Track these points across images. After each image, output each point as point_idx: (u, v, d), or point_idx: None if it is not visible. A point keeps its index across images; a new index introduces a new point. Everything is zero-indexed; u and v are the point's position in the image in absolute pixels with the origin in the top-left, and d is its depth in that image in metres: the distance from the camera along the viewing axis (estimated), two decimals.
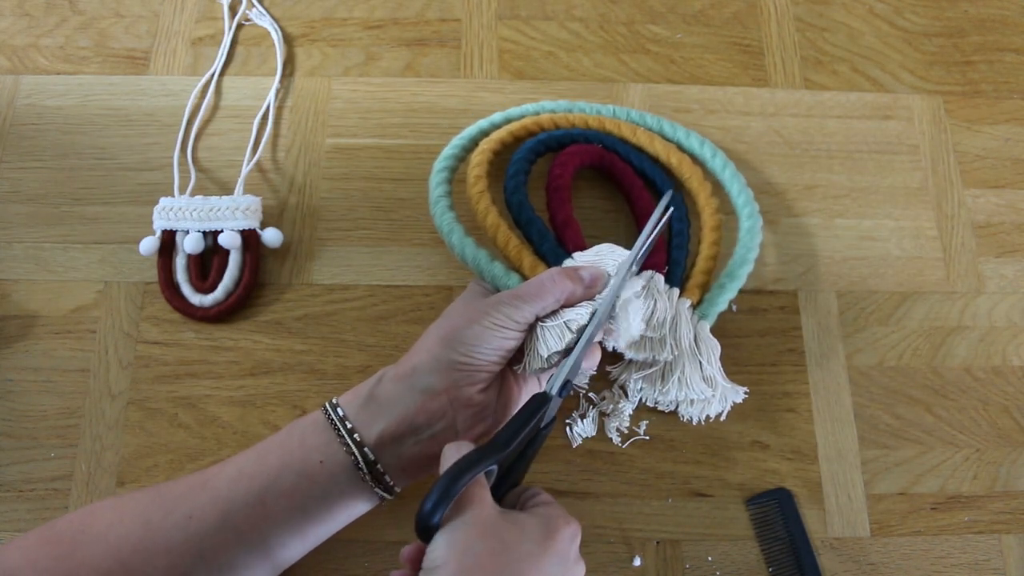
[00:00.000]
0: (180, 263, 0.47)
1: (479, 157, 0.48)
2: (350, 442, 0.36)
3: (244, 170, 0.50)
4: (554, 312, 0.39)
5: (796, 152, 0.53)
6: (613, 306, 0.40)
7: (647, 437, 0.45)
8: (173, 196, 0.49)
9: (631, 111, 0.52)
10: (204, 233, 0.47)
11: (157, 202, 0.48)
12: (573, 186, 0.49)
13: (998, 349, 0.48)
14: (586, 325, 0.38)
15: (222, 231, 0.47)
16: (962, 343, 0.48)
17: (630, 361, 0.43)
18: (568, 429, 0.45)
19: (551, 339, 0.38)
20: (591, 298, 0.40)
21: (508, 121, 0.51)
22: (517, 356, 0.40)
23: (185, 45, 0.54)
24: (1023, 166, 0.53)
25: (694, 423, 0.45)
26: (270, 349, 0.46)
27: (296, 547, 0.36)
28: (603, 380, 0.46)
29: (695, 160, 0.51)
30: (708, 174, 0.51)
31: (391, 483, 0.37)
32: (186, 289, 0.46)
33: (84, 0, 0.55)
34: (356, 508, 0.37)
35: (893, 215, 0.51)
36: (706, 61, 0.55)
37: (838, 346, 0.48)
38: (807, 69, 0.55)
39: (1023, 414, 0.47)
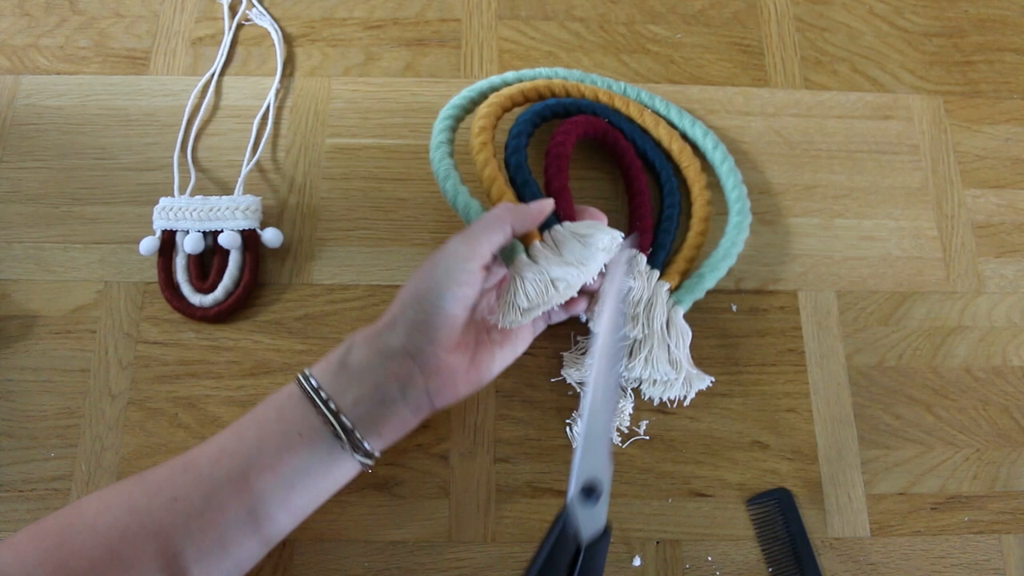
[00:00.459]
0: (180, 263, 0.47)
1: (486, 109, 0.48)
2: (326, 412, 0.36)
3: (244, 170, 0.50)
4: (536, 265, 0.39)
5: (796, 152, 0.53)
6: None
7: (647, 437, 0.45)
8: (173, 196, 0.49)
9: (642, 91, 0.52)
10: (204, 233, 0.47)
11: (157, 202, 0.48)
12: (573, 155, 0.49)
13: (998, 349, 0.48)
14: (571, 288, 0.38)
15: (222, 231, 0.47)
16: (962, 343, 0.48)
17: None
18: (568, 429, 0.45)
19: (532, 291, 0.38)
20: (537, 224, 0.40)
21: (520, 81, 0.51)
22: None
23: (185, 45, 0.54)
24: (1023, 166, 0.53)
25: (655, 403, 0.45)
26: (270, 349, 0.46)
27: (284, 519, 0.36)
28: None
29: (696, 150, 0.51)
30: (707, 166, 0.51)
31: (370, 449, 0.37)
32: (186, 289, 0.46)
33: (84, 0, 0.55)
34: (340, 476, 0.38)
35: (893, 215, 0.51)
36: (706, 61, 0.55)
37: (838, 346, 0.48)
38: (807, 69, 0.55)
39: (1023, 414, 0.47)
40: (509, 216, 0.39)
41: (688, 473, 0.44)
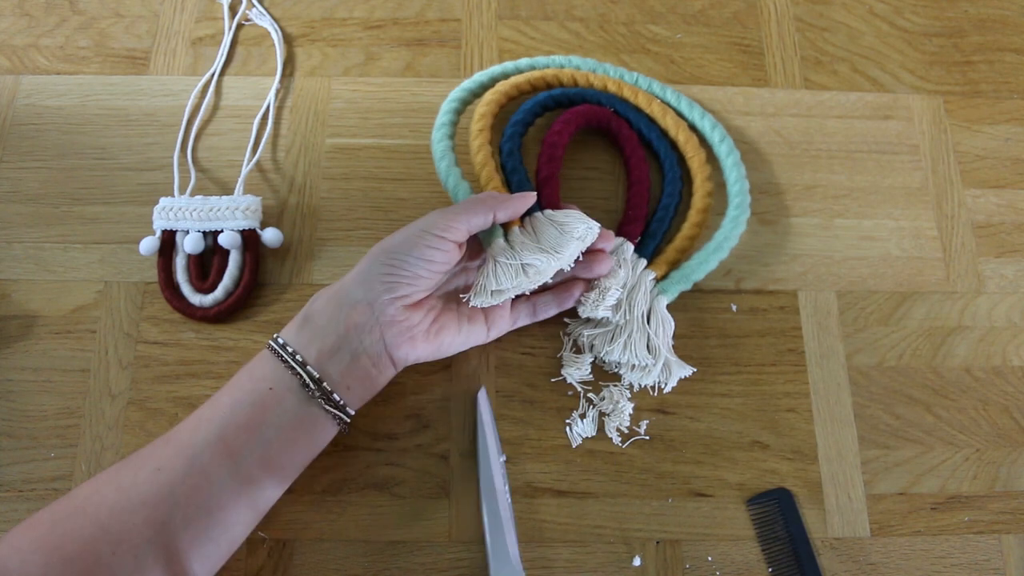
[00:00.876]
0: (180, 263, 0.47)
1: (491, 96, 0.49)
2: (293, 363, 0.37)
3: (244, 170, 0.50)
4: (511, 250, 0.41)
5: (796, 152, 0.53)
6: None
7: (647, 437, 0.45)
8: (173, 196, 0.49)
9: (654, 82, 0.52)
10: (204, 233, 0.47)
11: (157, 202, 0.48)
12: (576, 143, 0.50)
13: (998, 349, 0.48)
14: (541, 274, 0.40)
15: (222, 231, 0.47)
16: (962, 343, 0.48)
17: (587, 318, 0.45)
18: (568, 429, 0.45)
19: (503, 276, 0.40)
20: (519, 214, 0.42)
21: (533, 68, 0.52)
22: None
23: (185, 45, 0.54)
24: (1023, 166, 0.53)
25: (635, 389, 0.45)
26: None
27: (268, 482, 0.37)
28: (603, 379, 0.46)
29: (703, 142, 0.51)
30: (712, 158, 0.51)
31: (341, 402, 0.38)
32: (186, 289, 0.46)
33: (84, 0, 0.55)
34: (317, 434, 0.38)
35: (893, 215, 0.51)
36: (706, 61, 0.55)
37: (838, 346, 0.48)
38: (807, 69, 0.55)
39: (1023, 414, 0.47)
40: (493, 203, 0.41)
41: (688, 473, 0.44)
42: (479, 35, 0.55)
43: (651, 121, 0.51)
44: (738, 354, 0.47)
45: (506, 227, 0.42)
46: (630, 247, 0.46)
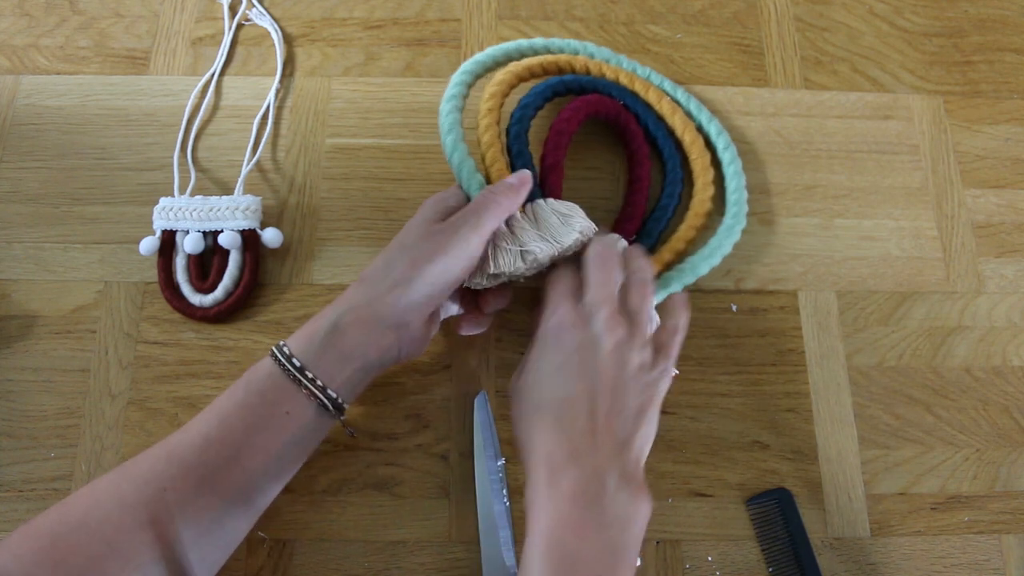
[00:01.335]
0: (180, 263, 0.47)
1: (503, 76, 0.48)
2: (315, 391, 0.37)
3: (244, 170, 0.50)
4: (512, 235, 0.40)
5: (796, 152, 0.53)
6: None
7: None
8: (173, 196, 0.49)
9: (665, 80, 0.52)
10: (204, 233, 0.47)
11: (157, 202, 0.48)
12: (581, 132, 0.50)
13: (998, 349, 0.48)
14: (539, 263, 0.41)
15: (222, 231, 0.47)
16: (962, 343, 0.48)
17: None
18: None
19: (502, 261, 0.40)
20: (522, 199, 0.41)
21: (548, 50, 0.52)
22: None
23: (185, 45, 0.54)
24: (1023, 166, 0.53)
25: None
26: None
27: (275, 490, 0.38)
28: None
29: (708, 145, 0.51)
30: (715, 163, 0.51)
31: (346, 406, 0.39)
32: (186, 289, 0.46)
33: (84, 0, 0.55)
34: (321, 438, 0.39)
35: (893, 215, 0.51)
36: (706, 61, 0.55)
37: (838, 346, 0.48)
38: (807, 69, 0.55)
39: (1023, 414, 0.47)
40: (504, 210, 0.40)
41: (688, 473, 0.44)
42: (479, 35, 0.55)
43: (659, 118, 0.51)
44: (738, 354, 0.47)
45: None
46: (624, 243, 0.46)
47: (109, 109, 0.52)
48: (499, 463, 0.43)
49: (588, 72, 0.51)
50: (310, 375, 0.37)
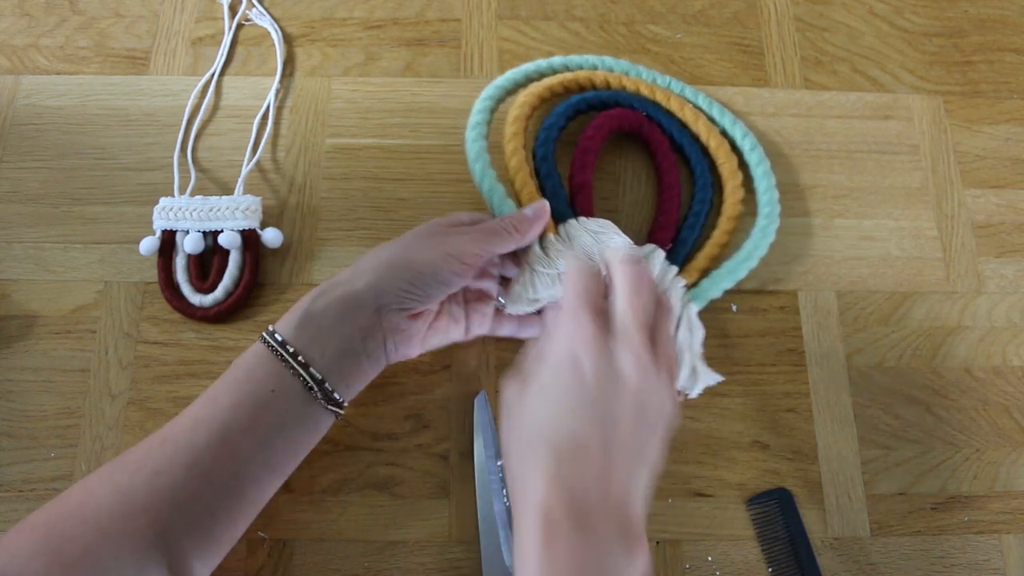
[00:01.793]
0: (180, 263, 0.47)
1: (524, 98, 0.49)
2: (296, 366, 0.37)
3: (244, 170, 0.50)
4: (547, 258, 0.41)
5: (796, 152, 0.53)
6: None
7: None
8: (173, 196, 0.49)
9: (686, 87, 0.52)
10: (204, 233, 0.47)
11: (157, 202, 0.48)
12: (607, 146, 0.50)
13: (998, 349, 0.48)
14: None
15: (222, 231, 0.47)
16: (962, 343, 0.48)
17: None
18: None
19: (540, 286, 0.40)
20: (538, 231, 0.42)
21: (567, 68, 0.52)
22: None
23: (185, 45, 0.54)
24: (1023, 166, 0.53)
25: None
26: None
27: (267, 481, 0.37)
28: None
29: (734, 148, 0.51)
30: (743, 165, 0.51)
31: (340, 399, 0.38)
32: (186, 289, 0.46)
33: (84, 0, 0.55)
34: (314, 429, 0.39)
35: (893, 215, 0.51)
36: (706, 61, 0.55)
37: (838, 346, 0.48)
38: (807, 69, 0.55)
39: (1023, 414, 0.47)
40: (519, 236, 0.40)
41: (688, 473, 0.44)
42: (479, 35, 0.55)
43: (683, 126, 0.51)
44: (738, 354, 0.47)
45: (540, 233, 0.42)
46: (661, 254, 0.44)
47: (109, 109, 0.52)
48: (499, 463, 0.43)
49: (608, 86, 0.51)
50: (291, 349, 0.37)
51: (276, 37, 0.54)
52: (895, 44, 0.57)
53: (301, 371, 0.37)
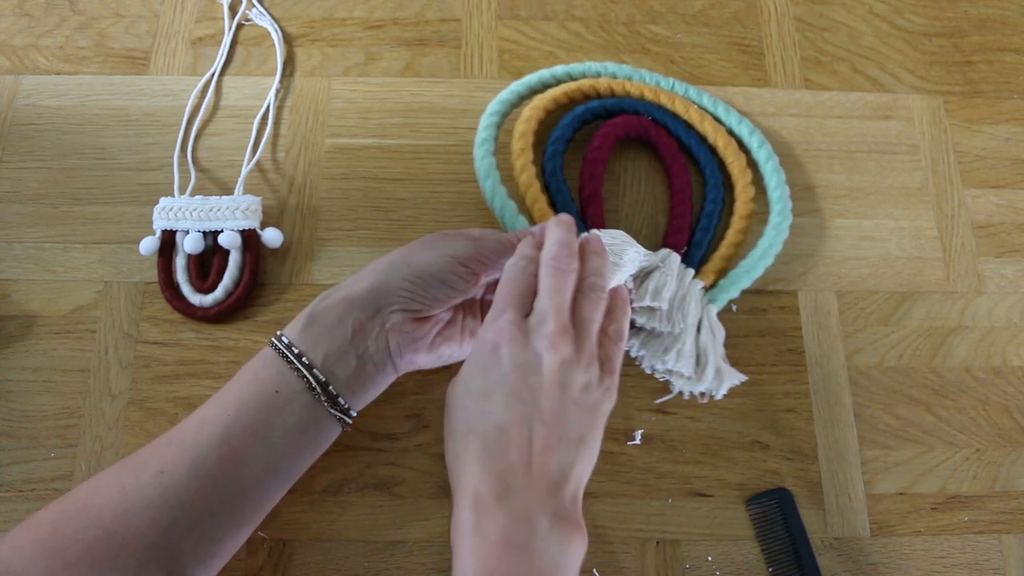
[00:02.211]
0: (180, 263, 0.47)
1: (530, 112, 0.49)
2: (299, 365, 0.37)
3: (244, 170, 0.50)
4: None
5: (796, 152, 0.53)
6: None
7: (639, 443, 0.45)
8: (173, 196, 0.49)
9: (690, 88, 0.52)
10: (204, 233, 0.47)
11: (157, 202, 0.48)
12: (616, 154, 0.51)
13: (998, 349, 0.48)
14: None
15: (222, 231, 0.47)
16: (962, 343, 0.48)
17: (639, 328, 0.44)
18: None
19: None
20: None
21: (570, 76, 0.52)
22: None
23: (185, 45, 0.54)
24: (1023, 166, 0.53)
25: (685, 397, 0.45)
26: None
27: (270, 485, 0.37)
28: None
29: (741, 147, 0.51)
30: (751, 163, 0.51)
31: (346, 405, 0.38)
32: (186, 289, 0.46)
33: (84, 0, 0.55)
34: (321, 437, 0.38)
35: (893, 215, 0.51)
36: (706, 61, 0.55)
37: (838, 346, 0.48)
38: (807, 69, 0.55)
39: (1023, 414, 0.47)
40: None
41: (688, 473, 0.44)
42: (479, 35, 0.55)
43: (689, 127, 0.51)
44: (738, 354, 0.47)
45: None
46: (676, 258, 0.45)
47: (109, 109, 0.52)
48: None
49: (612, 93, 0.51)
50: (296, 351, 0.37)
51: (276, 37, 0.54)
52: (895, 44, 0.57)
53: (304, 372, 0.37)
